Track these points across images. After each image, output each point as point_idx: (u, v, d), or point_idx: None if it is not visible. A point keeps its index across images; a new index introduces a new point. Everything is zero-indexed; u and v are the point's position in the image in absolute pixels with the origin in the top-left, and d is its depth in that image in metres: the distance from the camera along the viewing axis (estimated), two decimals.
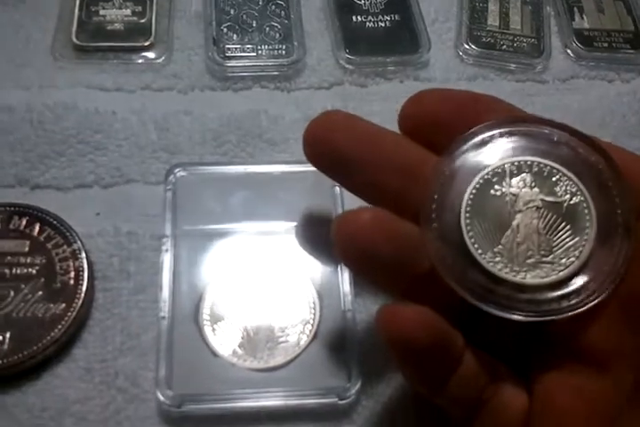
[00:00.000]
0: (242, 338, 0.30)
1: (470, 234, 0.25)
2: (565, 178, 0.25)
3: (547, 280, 0.25)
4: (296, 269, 0.32)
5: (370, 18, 0.41)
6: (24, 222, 0.32)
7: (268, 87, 0.38)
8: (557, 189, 0.25)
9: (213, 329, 0.30)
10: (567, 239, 0.25)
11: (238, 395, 0.28)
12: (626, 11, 0.43)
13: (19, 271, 0.30)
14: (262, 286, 0.31)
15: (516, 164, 0.26)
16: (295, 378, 0.29)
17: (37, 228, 0.32)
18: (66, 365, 0.29)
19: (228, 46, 0.39)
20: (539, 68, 0.41)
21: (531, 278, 0.25)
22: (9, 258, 0.31)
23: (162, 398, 0.28)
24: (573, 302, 0.25)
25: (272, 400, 0.28)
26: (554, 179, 0.25)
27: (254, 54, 0.39)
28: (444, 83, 0.40)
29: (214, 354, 0.29)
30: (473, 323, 0.26)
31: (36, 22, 0.39)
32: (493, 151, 0.26)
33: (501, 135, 0.26)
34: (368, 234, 0.23)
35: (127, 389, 0.29)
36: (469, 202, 0.25)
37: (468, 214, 0.25)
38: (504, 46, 0.41)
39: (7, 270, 0.30)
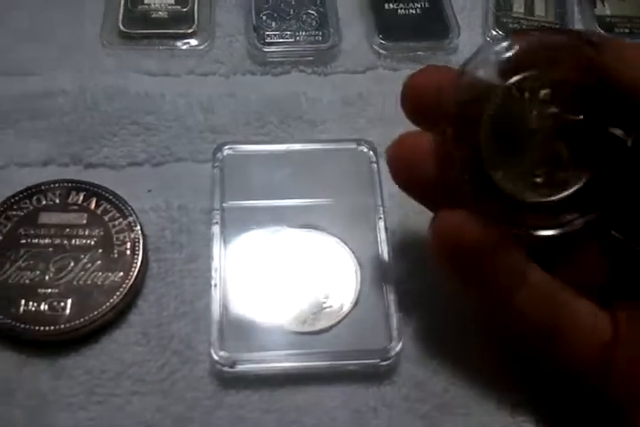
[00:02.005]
0: (288, 304, 0.31)
1: (486, 145, 0.26)
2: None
3: (550, 199, 0.26)
4: (337, 239, 0.33)
5: (401, 5, 0.43)
6: (81, 197, 0.34)
7: (306, 71, 0.40)
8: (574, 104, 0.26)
9: (261, 296, 0.32)
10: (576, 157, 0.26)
11: (286, 356, 0.30)
12: None
13: (78, 242, 0.32)
14: (306, 255, 0.33)
15: (535, 77, 0.26)
16: (339, 341, 0.31)
17: (94, 202, 0.33)
18: (123, 330, 0.31)
19: (267, 33, 0.40)
20: None
21: (536, 196, 0.26)
22: (68, 230, 0.33)
23: (215, 358, 0.30)
24: (573, 216, 0.26)
25: (317, 361, 0.30)
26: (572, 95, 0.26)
27: (292, 40, 0.40)
28: None
29: (263, 319, 0.31)
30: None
31: (84, 10, 0.41)
32: (512, 62, 0.26)
33: (519, 46, 0.26)
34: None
35: (182, 351, 0.31)
36: (491, 113, 0.26)
37: (486, 125, 0.26)
38: None
39: (67, 242, 0.32)
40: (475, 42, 0.42)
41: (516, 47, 0.26)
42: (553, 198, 0.26)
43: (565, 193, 0.26)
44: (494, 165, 0.26)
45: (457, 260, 0.27)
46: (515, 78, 0.26)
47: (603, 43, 0.26)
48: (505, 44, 0.26)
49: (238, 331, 0.31)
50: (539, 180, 0.26)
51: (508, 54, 0.26)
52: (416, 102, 0.28)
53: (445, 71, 0.28)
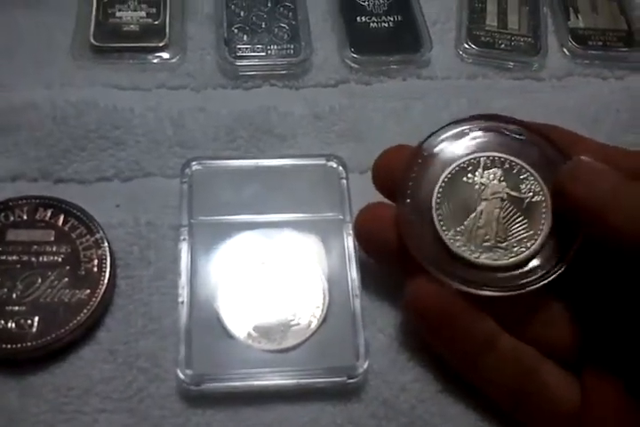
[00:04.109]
0: (256, 321, 0.32)
1: (439, 212, 0.29)
2: (532, 178, 0.29)
3: (497, 263, 0.29)
4: (306, 257, 0.33)
5: (373, 19, 0.43)
6: (49, 213, 0.33)
7: (277, 85, 0.40)
8: (523, 186, 0.29)
9: (229, 313, 0.32)
10: (522, 231, 0.29)
11: (253, 374, 0.30)
12: (619, 10, 0.45)
13: (45, 259, 0.32)
14: (274, 272, 0.33)
15: (490, 158, 0.30)
16: (307, 359, 0.31)
17: (62, 218, 0.33)
18: (90, 347, 0.31)
19: (238, 46, 0.40)
20: (535, 66, 0.42)
21: (484, 259, 0.29)
22: (36, 247, 0.33)
23: (182, 377, 0.30)
24: (524, 281, 0.28)
25: (285, 379, 0.30)
26: (521, 177, 0.30)
27: (264, 54, 0.40)
28: (444, 81, 0.41)
29: (230, 336, 0.31)
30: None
31: (56, 23, 0.41)
32: (470, 143, 0.30)
33: (479, 129, 0.30)
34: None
35: (148, 369, 0.31)
36: (443, 184, 0.30)
37: (439, 195, 0.29)
38: (502, 45, 0.43)
39: (34, 259, 0.32)
40: (447, 55, 0.42)
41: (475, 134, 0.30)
42: (500, 263, 0.29)
43: (514, 259, 0.29)
44: (445, 228, 0.29)
45: (426, 324, 0.29)
46: (470, 157, 0.30)
47: (566, 153, 0.28)
48: (463, 127, 0.30)
49: (205, 349, 0.31)
50: (487, 244, 0.29)
51: (466, 140, 0.30)
52: (381, 179, 0.31)
53: (405, 150, 0.31)
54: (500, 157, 0.30)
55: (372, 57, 0.41)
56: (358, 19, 0.42)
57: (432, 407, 0.31)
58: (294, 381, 0.30)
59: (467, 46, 0.42)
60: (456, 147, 0.30)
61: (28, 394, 0.30)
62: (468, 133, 0.30)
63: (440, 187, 0.29)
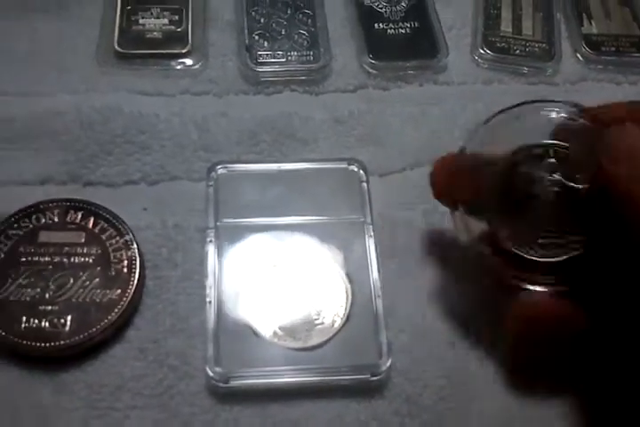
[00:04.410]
0: (281, 320, 0.32)
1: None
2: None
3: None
4: (328, 258, 0.34)
5: (391, 25, 0.44)
6: (79, 216, 0.34)
7: (298, 90, 0.41)
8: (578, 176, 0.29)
9: (255, 312, 0.33)
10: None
11: (279, 372, 0.31)
12: (632, 16, 0.46)
13: (77, 260, 0.33)
14: (298, 273, 0.34)
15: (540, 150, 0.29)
16: (331, 357, 0.32)
17: (92, 221, 0.34)
18: (121, 345, 0.32)
19: (259, 53, 0.41)
20: (550, 71, 0.43)
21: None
22: (67, 249, 0.34)
23: (210, 374, 0.31)
24: None
25: (310, 377, 0.31)
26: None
27: (284, 60, 0.41)
28: (460, 86, 0.42)
29: (256, 335, 0.32)
30: None
31: (79, 30, 0.42)
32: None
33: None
34: None
35: (178, 367, 0.32)
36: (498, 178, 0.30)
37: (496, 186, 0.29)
38: (517, 51, 0.44)
39: (66, 260, 0.33)
40: (463, 60, 0.43)
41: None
42: (553, 259, 0.29)
43: (565, 256, 0.29)
44: (500, 225, 0.29)
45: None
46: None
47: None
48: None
49: (232, 347, 0.32)
50: (542, 240, 0.29)
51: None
52: (438, 186, 0.32)
53: (458, 158, 0.31)
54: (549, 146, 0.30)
55: (390, 63, 0.42)
56: (376, 25, 0.43)
57: (454, 404, 0.32)
58: (319, 378, 0.31)
59: (482, 52, 0.43)
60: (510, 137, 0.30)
61: (62, 391, 0.31)
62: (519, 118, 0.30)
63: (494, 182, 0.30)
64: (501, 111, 0.31)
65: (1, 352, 0.32)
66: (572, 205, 0.29)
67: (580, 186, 0.29)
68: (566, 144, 0.29)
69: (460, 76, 0.43)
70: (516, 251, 0.29)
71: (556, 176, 0.29)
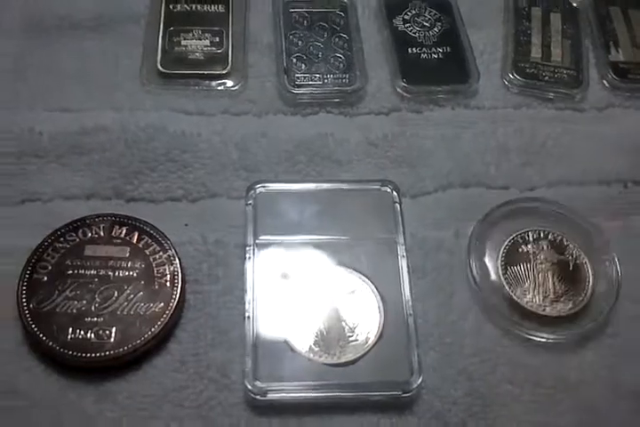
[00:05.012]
0: (316, 337, 0.34)
1: (505, 276, 0.36)
2: (572, 246, 0.37)
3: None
4: (362, 275, 0.36)
5: (424, 50, 0.45)
6: (124, 231, 0.36)
7: (333, 112, 0.42)
8: (566, 252, 0.37)
9: (292, 328, 0.34)
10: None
11: (314, 386, 0.32)
12: None
13: (121, 274, 0.35)
14: (333, 290, 0.35)
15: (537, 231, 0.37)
16: (363, 373, 0.33)
17: (136, 236, 0.36)
18: (163, 358, 0.34)
19: (297, 75, 0.43)
20: (577, 97, 0.44)
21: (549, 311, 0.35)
22: (112, 262, 0.35)
23: (249, 387, 0.32)
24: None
25: (343, 392, 0.32)
26: (564, 245, 0.37)
27: (320, 82, 0.43)
28: (491, 110, 0.44)
29: (293, 350, 0.33)
30: None
31: (123, 51, 0.44)
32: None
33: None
34: None
35: (218, 379, 0.33)
36: (504, 253, 0.37)
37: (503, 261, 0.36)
38: (546, 77, 0.45)
39: (111, 273, 0.35)
40: (493, 85, 0.44)
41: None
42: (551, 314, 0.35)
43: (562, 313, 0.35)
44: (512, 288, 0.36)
45: None
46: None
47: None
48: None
49: (270, 361, 0.33)
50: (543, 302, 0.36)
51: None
52: None
53: None
54: (543, 230, 0.38)
55: (423, 87, 0.43)
56: (409, 50, 0.45)
57: (481, 421, 0.33)
58: (351, 394, 0.32)
59: (512, 77, 0.45)
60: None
61: (105, 400, 0.33)
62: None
63: (502, 255, 0.37)
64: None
65: (47, 362, 0.33)
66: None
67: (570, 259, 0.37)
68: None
69: (491, 100, 0.44)
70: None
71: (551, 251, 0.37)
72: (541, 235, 0.38)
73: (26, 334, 0.33)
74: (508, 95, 0.44)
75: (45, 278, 0.34)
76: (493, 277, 0.36)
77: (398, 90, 0.43)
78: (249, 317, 0.34)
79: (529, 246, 0.37)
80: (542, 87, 0.45)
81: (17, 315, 0.34)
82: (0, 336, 0.34)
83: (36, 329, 0.33)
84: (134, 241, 0.36)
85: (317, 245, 0.36)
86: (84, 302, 0.34)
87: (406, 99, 0.43)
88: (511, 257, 0.37)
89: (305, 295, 0.35)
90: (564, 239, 0.38)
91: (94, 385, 0.33)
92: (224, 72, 0.43)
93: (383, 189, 0.38)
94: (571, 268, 0.37)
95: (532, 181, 0.41)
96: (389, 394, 0.33)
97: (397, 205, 0.38)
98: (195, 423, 0.32)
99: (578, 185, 0.41)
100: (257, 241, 0.36)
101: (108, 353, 0.33)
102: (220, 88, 0.43)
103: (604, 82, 0.45)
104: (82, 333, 0.33)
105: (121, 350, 0.33)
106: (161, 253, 0.35)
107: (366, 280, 0.35)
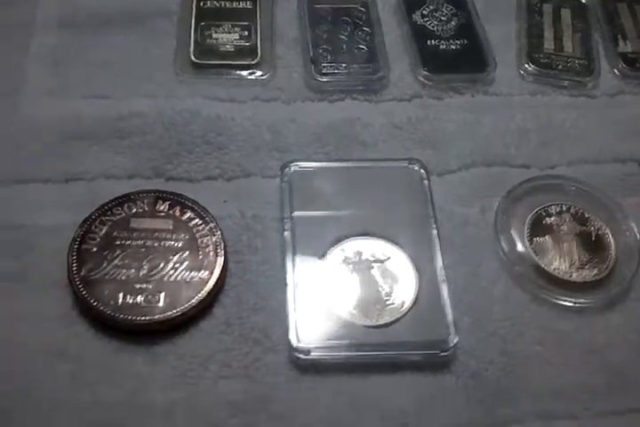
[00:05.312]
0: (355, 301, 0.35)
1: (532, 246, 0.38)
2: (594, 218, 0.39)
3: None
4: (396, 246, 0.37)
5: (442, 42, 0.47)
6: (167, 205, 0.38)
7: (358, 99, 0.44)
8: (588, 224, 0.39)
9: (331, 294, 0.35)
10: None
11: (354, 346, 0.34)
12: None
13: (166, 244, 0.36)
14: (369, 259, 0.37)
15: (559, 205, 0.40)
16: (402, 334, 0.35)
17: (179, 210, 0.38)
18: (209, 321, 0.35)
19: (323, 64, 0.45)
20: (590, 85, 0.47)
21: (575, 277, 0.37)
22: (157, 234, 0.37)
23: (293, 346, 0.33)
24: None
25: (383, 351, 0.34)
26: (585, 217, 0.39)
27: (346, 71, 0.45)
28: (508, 97, 0.46)
29: (333, 313, 0.35)
30: None
31: (154, 43, 0.46)
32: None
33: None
34: None
35: (262, 341, 0.35)
36: (529, 225, 0.39)
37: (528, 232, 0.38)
38: (559, 66, 0.47)
39: (157, 244, 0.36)
40: (509, 74, 0.47)
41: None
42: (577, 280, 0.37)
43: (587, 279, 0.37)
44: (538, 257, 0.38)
45: None
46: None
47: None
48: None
49: (311, 324, 0.34)
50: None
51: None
52: None
53: None
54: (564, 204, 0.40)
55: (443, 75, 0.46)
56: (429, 42, 0.47)
57: (515, 380, 0.34)
58: (391, 352, 0.34)
59: (527, 67, 0.47)
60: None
61: (155, 362, 0.34)
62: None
63: (529, 227, 0.39)
64: None
65: (97, 326, 0.35)
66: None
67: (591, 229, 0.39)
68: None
69: (508, 88, 0.46)
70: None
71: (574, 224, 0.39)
72: (563, 208, 0.39)
73: (76, 300, 0.35)
74: (523, 83, 0.47)
75: (94, 249, 0.36)
76: (520, 247, 0.38)
77: (420, 78, 0.45)
78: (288, 283, 0.35)
79: (552, 219, 0.39)
80: (556, 76, 0.47)
81: (67, 283, 0.35)
82: (52, 304, 0.35)
83: (86, 295, 0.34)
84: (177, 214, 0.37)
85: (351, 219, 0.38)
86: (133, 270, 0.35)
87: (427, 86, 0.45)
88: (536, 229, 0.39)
89: (341, 264, 0.36)
90: (585, 212, 0.39)
91: (144, 348, 0.34)
92: (253, 63, 0.45)
93: (411, 166, 0.40)
94: (593, 238, 0.38)
95: (551, 160, 0.43)
96: (427, 353, 0.34)
97: (426, 182, 0.39)
98: (242, 382, 0.33)
99: (595, 163, 0.43)
100: (293, 215, 0.38)
101: (157, 317, 0.34)
102: (250, 77, 0.45)
103: (615, 71, 0.48)
104: (132, 298, 0.34)
105: (169, 313, 0.34)
106: (203, 226, 0.37)
107: (400, 250, 0.37)
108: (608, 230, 0.39)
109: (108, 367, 0.34)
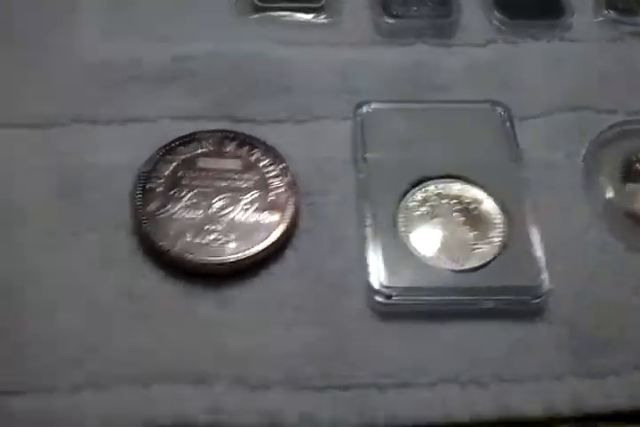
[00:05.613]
0: (440, 244, 0.33)
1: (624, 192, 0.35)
2: None
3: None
4: (480, 188, 0.35)
5: None
6: (234, 145, 0.36)
7: (430, 43, 0.42)
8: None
9: (414, 236, 0.33)
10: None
11: (438, 290, 0.32)
12: None
13: (236, 185, 0.34)
14: (452, 201, 0.34)
15: None
16: (490, 279, 0.32)
17: (247, 150, 0.35)
18: (281, 265, 0.33)
19: (393, 7, 0.43)
20: None
21: None
22: (226, 174, 0.35)
23: (374, 288, 0.31)
24: None
25: (469, 296, 0.32)
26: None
27: (417, 14, 0.43)
28: (587, 43, 0.43)
29: (415, 256, 0.33)
30: None
31: None
32: None
33: None
34: None
35: (337, 284, 0.32)
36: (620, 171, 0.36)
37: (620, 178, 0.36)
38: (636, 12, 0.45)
39: (225, 184, 0.34)
40: (587, 20, 0.44)
41: None
42: None
43: None
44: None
45: None
46: None
47: None
48: None
49: (392, 266, 0.32)
50: None
51: None
52: None
53: None
54: None
55: (518, 20, 0.43)
56: None
57: (614, 327, 0.32)
58: (479, 298, 0.31)
59: (606, 12, 0.44)
60: None
61: (226, 305, 0.32)
62: None
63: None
64: None
65: (164, 268, 0.33)
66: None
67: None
68: None
69: (584, 34, 0.43)
70: None
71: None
72: None
73: (142, 241, 0.33)
74: (602, 30, 0.44)
75: (160, 189, 0.34)
76: (612, 193, 0.35)
77: (495, 22, 0.43)
78: (368, 225, 0.33)
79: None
80: (636, 22, 0.44)
81: (133, 222, 0.33)
82: (118, 246, 0.33)
83: (153, 235, 0.32)
84: (246, 154, 0.35)
85: (431, 161, 0.36)
86: (201, 210, 0.33)
87: (502, 31, 0.43)
88: (628, 175, 0.36)
89: (423, 205, 0.34)
90: None
91: (214, 291, 0.32)
92: (319, 5, 0.43)
93: (493, 108, 0.38)
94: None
95: (637, 104, 0.40)
96: (518, 299, 0.32)
97: (508, 123, 0.37)
98: (317, 326, 0.31)
99: None
100: (367, 156, 0.35)
101: (227, 258, 0.32)
102: (315, 20, 0.43)
103: None
104: (200, 238, 0.32)
105: (240, 255, 0.32)
106: (273, 167, 0.35)
107: (485, 192, 0.35)
108: None
109: (175, 310, 0.32)
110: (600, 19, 0.44)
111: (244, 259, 0.32)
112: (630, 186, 0.36)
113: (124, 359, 0.30)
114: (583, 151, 0.37)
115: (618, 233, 0.34)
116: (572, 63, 0.42)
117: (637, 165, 0.37)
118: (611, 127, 0.38)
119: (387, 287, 0.31)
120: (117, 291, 0.32)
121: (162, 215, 0.33)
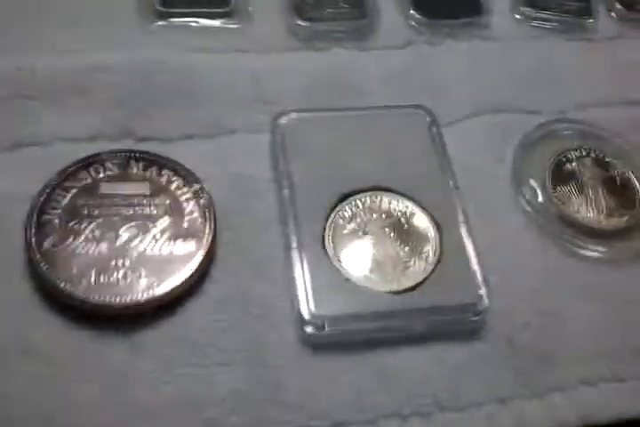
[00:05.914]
0: (371, 264, 0.31)
1: (555, 195, 0.34)
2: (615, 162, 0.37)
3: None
4: (410, 200, 0.33)
5: None
6: (141, 166, 0.32)
7: (346, 47, 0.40)
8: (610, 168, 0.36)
9: (343, 257, 0.31)
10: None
11: (373, 316, 0.29)
12: None
13: (145, 212, 0.31)
14: (381, 215, 0.32)
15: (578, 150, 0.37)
16: (426, 299, 0.30)
17: (155, 171, 0.32)
18: (199, 300, 0.30)
19: (306, 10, 0.40)
20: (588, 28, 0.43)
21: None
22: (133, 200, 0.31)
23: (303, 319, 0.28)
24: None
25: (406, 320, 0.29)
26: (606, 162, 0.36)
27: (332, 17, 0.40)
28: (507, 42, 0.42)
29: (346, 279, 0.30)
30: None
31: None
32: None
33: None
34: None
35: (265, 317, 0.29)
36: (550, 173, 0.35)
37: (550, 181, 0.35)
38: (556, 9, 0.44)
39: (132, 211, 0.31)
40: (506, 18, 0.43)
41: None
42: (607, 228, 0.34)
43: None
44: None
45: None
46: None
47: None
48: None
49: (324, 293, 0.29)
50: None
51: None
52: None
53: None
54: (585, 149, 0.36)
55: (437, 21, 0.41)
56: None
57: (556, 342, 0.30)
58: (417, 320, 0.29)
59: (524, 9, 0.43)
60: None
61: (138, 351, 0.28)
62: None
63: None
64: None
65: (66, 313, 0.29)
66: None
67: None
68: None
69: (505, 32, 0.42)
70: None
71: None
72: (583, 153, 0.36)
73: (39, 282, 0.29)
74: (521, 27, 0.43)
75: (57, 221, 0.30)
76: (543, 197, 0.34)
77: (412, 23, 0.41)
78: (293, 247, 0.30)
79: (573, 165, 0.35)
80: (554, 19, 0.43)
81: (27, 261, 0.29)
82: (8, 290, 0.29)
83: (52, 274, 0.29)
84: (155, 176, 0.32)
85: (356, 173, 0.33)
86: (106, 243, 0.30)
87: (420, 32, 0.41)
88: (558, 176, 0.35)
89: (351, 222, 0.32)
90: (606, 157, 0.36)
91: (124, 335, 0.28)
92: (227, 10, 0.40)
93: (416, 112, 0.35)
94: (618, 183, 0.35)
95: (560, 104, 0.39)
96: (456, 318, 0.30)
97: (434, 129, 0.35)
98: (245, 367, 0.28)
99: (605, 107, 0.39)
100: (290, 169, 0.33)
101: (137, 297, 0.29)
102: (224, 26, 0.39)
103: (612, 13, 0.45)
104: (107, 276, 0.29)
105: (152, 292, 0.29)
106: (187, 188, 0.32)
107: (416, 204, 0.33)
108: (631, 174, 0.35)
109: (82, 360, 0.28)
110: (519, 17, 0.43)
111: (158, 296, 0.29)
112: (562, 188, 0.34)
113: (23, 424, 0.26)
114: (512, 155, 0.36)
115: (551, 238, 0.33)
116: (494, 63, 0.40)
117: (567, 165, 0.35)
118: (537, 128, 0.36)
119: (317, 317, 0.28)
120: (11, 346, 0.28)
121: (61, 252, 0.29)
